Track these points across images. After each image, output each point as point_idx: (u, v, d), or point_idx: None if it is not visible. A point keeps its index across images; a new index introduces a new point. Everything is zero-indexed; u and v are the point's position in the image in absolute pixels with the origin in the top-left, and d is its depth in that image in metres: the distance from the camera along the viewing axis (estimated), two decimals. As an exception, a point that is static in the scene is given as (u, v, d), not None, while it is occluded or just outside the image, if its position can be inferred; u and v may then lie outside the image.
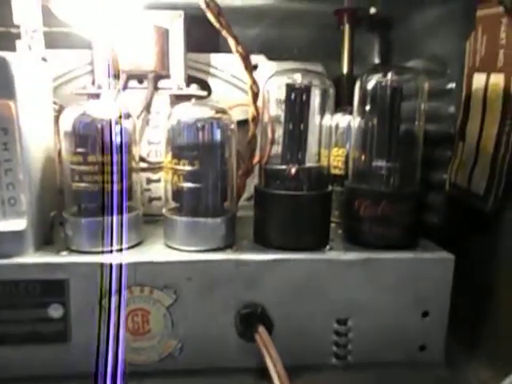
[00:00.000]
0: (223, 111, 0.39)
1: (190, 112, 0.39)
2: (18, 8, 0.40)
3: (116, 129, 0.36)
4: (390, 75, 0.39)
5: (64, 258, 0.36)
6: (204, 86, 0.51)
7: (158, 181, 0.48)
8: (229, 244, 0.39)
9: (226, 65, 0.52)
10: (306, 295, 0.38)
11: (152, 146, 0.48)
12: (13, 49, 0.40)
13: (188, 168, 0.38)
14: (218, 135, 0.38)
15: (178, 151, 0.38)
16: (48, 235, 0.39)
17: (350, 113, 0.44)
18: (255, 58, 0.49)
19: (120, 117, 0.37)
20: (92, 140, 0.36)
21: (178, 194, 0.39)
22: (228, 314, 0.37)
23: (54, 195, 0.41)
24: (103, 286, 0.35)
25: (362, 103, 0.41)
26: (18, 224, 0.36)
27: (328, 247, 0.39)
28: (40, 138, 0.39)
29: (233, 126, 0.39)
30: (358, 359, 0.39)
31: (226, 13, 0.42)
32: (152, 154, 0.48)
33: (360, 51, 0.59)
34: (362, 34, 0.59)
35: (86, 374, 0.35)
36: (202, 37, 0.51)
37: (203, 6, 0.40)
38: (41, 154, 0.38)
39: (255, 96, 0.44)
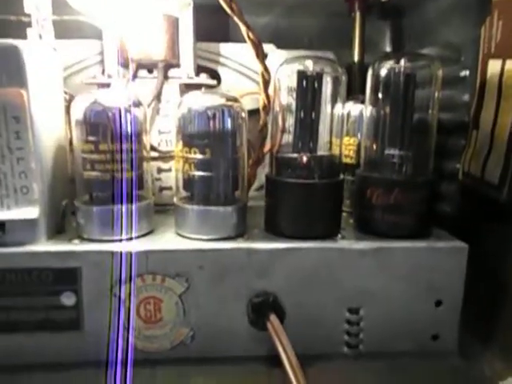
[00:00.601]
0: (234, 99, 0.39)
1: (201, 100, 0.38)
2: (29, -4, 0.40)
3: (127, 117, 0.36)
4: (403, 61, 0.38)
5: (76, 246, 0.36)
6: (213, 75, 0.51)
7: (169, 170, 0.48)
8: (240, 233, 0.39)
9: (235, 54, 0.51)
10: (318, 284, 0.37)
11: (162, 135, 0.48)
12: (24, 37, 0.40)
13: (199, 156, 0.37)
14: (229, 123, 0.38)
15: (189, 139, 0.38)
16: (60, 224, 0.39)
17: (362, 101, 0.44)
18: (265, 47, 0.48)
19: (131, 105, 0.37)
20: (103, 128, 0.36)
21: (189, 182, 0.39)
22: (239, 302, 0.37)
23: (66, 184, 0.41)
24: (115, 274, 0.35)
25: (375, 90, 0.40)
26: (31, 212, 0.36)
27: (339, 236, 0.39)
28: (51, 126, 0.39)
29: (244, 114, 0.39)
30: (369, 348, 0.39)
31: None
32: (162, 144, 0.48)
33: (371, 39, 0.58)
34: (374, 21, 0.58)
35: (99, 362, 0.35)
36: (211, 26, 0.51)
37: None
38: (52, 142, 0.38)
39: (266, 84, 0.44)
